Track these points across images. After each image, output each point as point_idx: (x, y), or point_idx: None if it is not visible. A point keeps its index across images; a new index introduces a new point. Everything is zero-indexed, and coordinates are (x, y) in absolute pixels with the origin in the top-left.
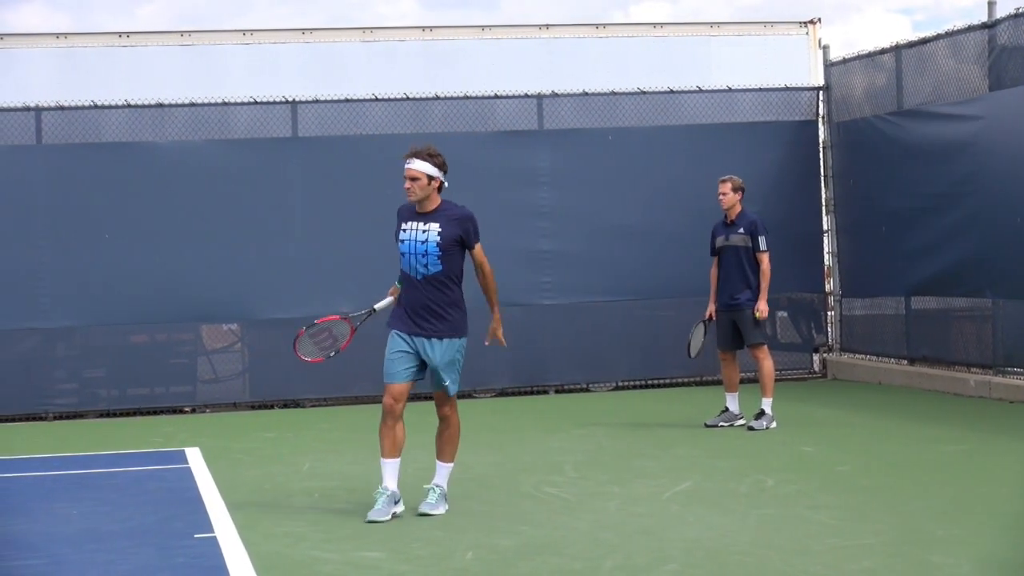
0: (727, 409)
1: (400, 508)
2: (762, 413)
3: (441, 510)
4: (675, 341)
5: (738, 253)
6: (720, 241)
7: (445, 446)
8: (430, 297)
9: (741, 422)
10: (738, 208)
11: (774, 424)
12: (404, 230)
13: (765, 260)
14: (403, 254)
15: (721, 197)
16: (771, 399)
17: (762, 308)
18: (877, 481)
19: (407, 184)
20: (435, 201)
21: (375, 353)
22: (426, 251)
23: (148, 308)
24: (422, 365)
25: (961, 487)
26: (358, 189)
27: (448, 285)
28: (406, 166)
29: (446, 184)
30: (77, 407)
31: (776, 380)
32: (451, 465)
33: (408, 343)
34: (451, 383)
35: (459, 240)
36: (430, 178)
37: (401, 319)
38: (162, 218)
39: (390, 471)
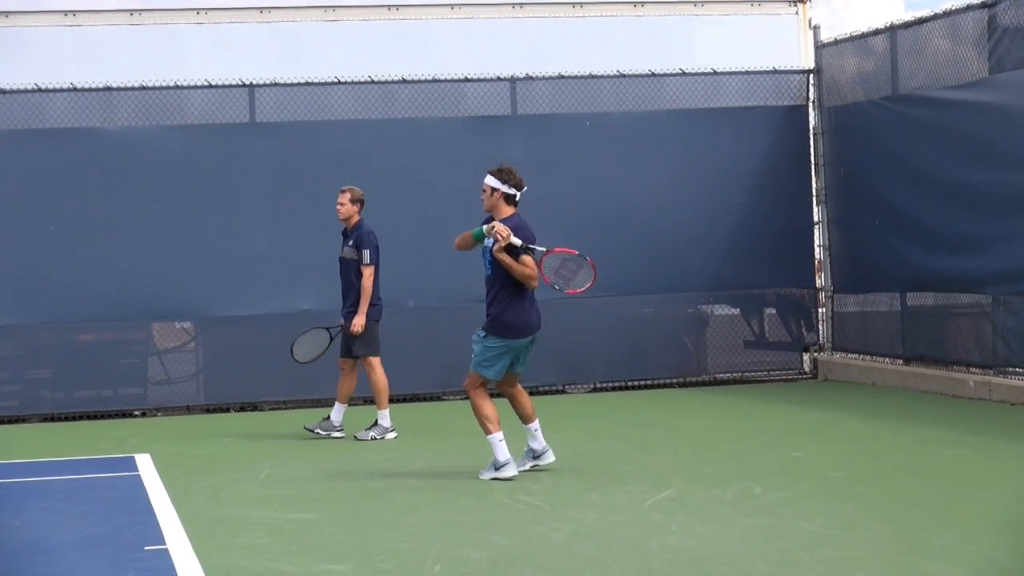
0: (328, 417)
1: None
2: (374, 424)
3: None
4: (657, 340)
5: (348, 266)
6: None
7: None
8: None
9: (339, 434)
10: (355, 220)
11: (391, 435)
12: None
13: (366, 274)
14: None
15: (339, 207)
16: (386, 411)
17: (357, 323)
18: (870, 488)
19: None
20: (501, 212)
21: (336, 355)
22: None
23: (96, 305)
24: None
25: (959, 494)
26: (319, 178)
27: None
28: None
29: (517, 196)
30: (20, 411)
31: (764, 381)
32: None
33: None
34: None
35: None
36: (492, 189)
37: None
38: (111, 209)
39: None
